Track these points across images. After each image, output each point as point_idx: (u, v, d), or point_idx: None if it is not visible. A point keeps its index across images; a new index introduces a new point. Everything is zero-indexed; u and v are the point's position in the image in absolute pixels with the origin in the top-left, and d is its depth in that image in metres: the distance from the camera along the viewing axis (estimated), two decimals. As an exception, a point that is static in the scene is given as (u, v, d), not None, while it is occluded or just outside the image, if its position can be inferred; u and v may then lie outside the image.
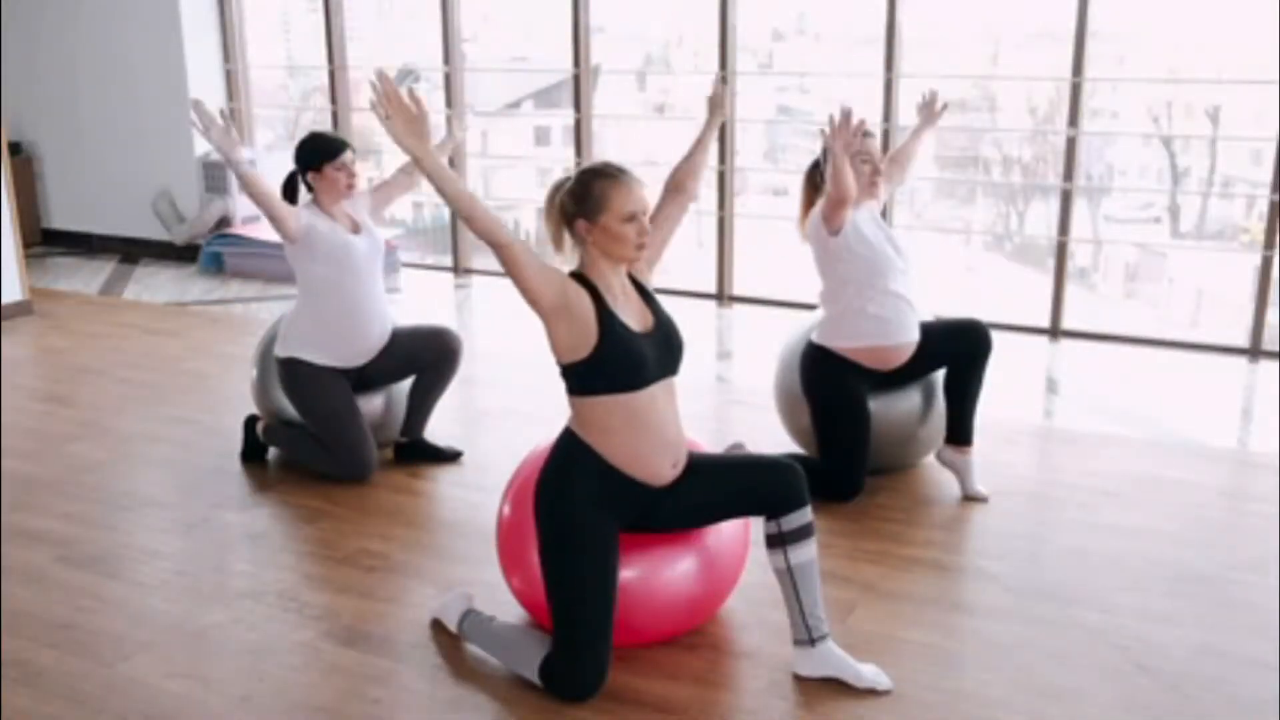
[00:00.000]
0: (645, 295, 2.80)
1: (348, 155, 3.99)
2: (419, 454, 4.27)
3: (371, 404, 4.19)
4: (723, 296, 6.75)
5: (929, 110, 4.21)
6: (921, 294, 4.06)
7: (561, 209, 2.70)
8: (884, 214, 3.98)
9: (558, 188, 2.74)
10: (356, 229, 4.06)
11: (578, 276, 2.68)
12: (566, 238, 2.73)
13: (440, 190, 2.55)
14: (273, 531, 3.76)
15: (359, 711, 2.73)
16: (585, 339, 2.63)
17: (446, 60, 7.28)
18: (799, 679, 2.81)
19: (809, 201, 3.84)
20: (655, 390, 2.70)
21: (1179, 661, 2.91)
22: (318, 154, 3.97)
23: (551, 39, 7.45)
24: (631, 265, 2.74)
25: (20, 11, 8.06)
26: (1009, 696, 2.76)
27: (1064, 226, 5.97)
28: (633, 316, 2.71)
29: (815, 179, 3.82)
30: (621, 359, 2.65)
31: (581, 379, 2.68)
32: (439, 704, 2.77)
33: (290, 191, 4.05)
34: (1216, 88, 8.81)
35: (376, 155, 9.56)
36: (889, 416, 3.90)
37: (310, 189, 4.00)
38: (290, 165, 4.04)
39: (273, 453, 4.32)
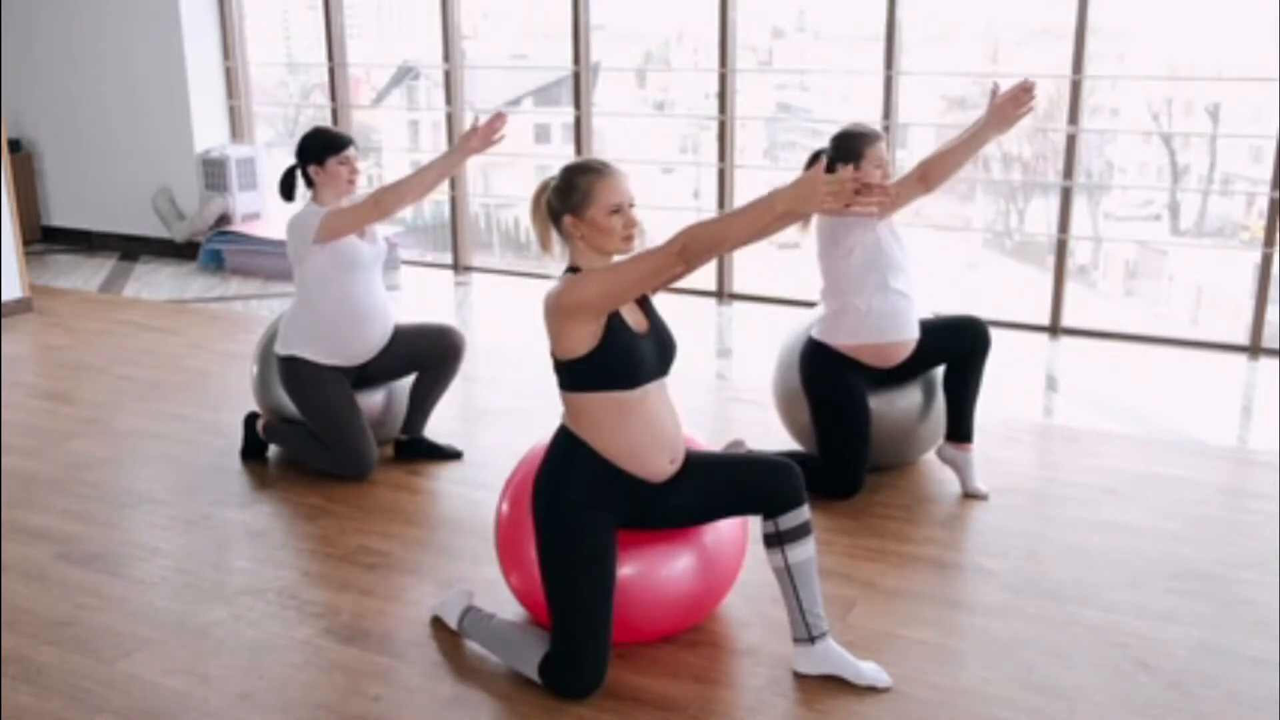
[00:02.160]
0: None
1: (351, 150, 3.99)
2: (419, 451, 4.27)
3: (372, 401, 4.19)
4: (722, 294, 6.74)
5: (1005, 106, 3.58)
6: (922, 292, 4.06)
7: (548, 207, 2.70)
8: None
9: (543, 188, 2.73)
10: (361, 232, 4.06)
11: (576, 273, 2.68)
12: (554, 238, 2.73)
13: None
14: (273, 529, 3.76)
15: (359, 709, 2.73)
16: (592, 336, 2.63)
17: (446, 58, 7.28)
18: (799, 676, 2.81)
19: None
20: (648, 389, 2.71)
21: (1179, 659, 2.91)
22: (322, 147, 3.96)
23: (551, 36, 7.44)
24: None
25: (20, 9, 8.05)
26: (1009, 694, 2.76)
27: (1064, 224, 5.97)
28: (628, 315, 2.72)
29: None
30: (621, 358, 2.65)
31: (577, 375, 2.67)
32: (439, 701, 2.77)
33: (287, 186, 4.05)
34: (1217, 85, 8.81)
35: (376, 153, 9.55)
36: (889, 414, 3.90)
37: (310, 184, 4.00)
38: (290, 162, 4.04)
39: (273, 450, 4.32)
